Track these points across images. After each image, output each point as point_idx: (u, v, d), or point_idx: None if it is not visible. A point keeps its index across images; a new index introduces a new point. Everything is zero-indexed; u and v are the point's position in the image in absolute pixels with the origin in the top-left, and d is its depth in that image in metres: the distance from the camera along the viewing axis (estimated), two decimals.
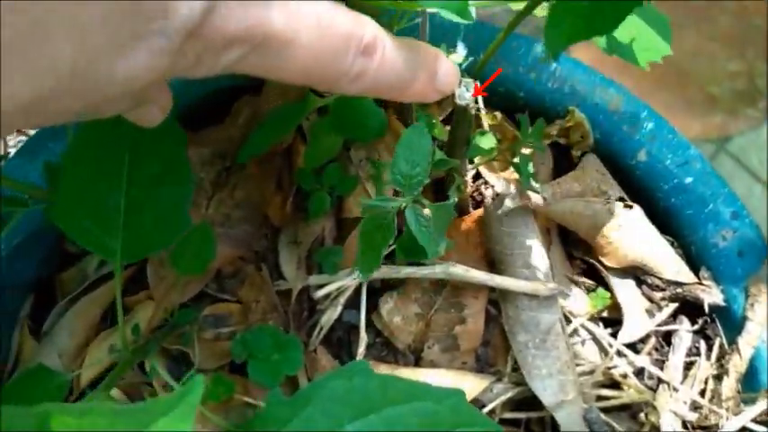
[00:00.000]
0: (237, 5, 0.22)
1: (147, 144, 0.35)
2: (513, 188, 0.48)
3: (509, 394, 0.46)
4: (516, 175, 0.48)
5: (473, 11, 0.37)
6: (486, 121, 0.50)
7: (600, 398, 0.47)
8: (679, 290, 0.48)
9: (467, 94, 0.36)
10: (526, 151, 0.45)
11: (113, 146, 0.35)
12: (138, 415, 0.20)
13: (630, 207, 0.47)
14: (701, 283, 0.48)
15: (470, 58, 0.52)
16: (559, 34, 0.29)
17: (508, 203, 0.47)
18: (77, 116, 0.24)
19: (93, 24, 0.19)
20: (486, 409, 0.46)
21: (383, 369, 0.47)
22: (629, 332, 0.47)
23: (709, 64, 1.00)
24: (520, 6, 0.47)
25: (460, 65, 0.51)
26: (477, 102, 0.50)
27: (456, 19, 0.30)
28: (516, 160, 0.47)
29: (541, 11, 0.45)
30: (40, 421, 0.22)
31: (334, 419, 0.31)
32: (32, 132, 0.53)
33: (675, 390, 0.47)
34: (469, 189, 0.51)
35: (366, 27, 0.27)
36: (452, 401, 0.32)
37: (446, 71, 0.31)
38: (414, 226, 0.33)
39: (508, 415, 0.47)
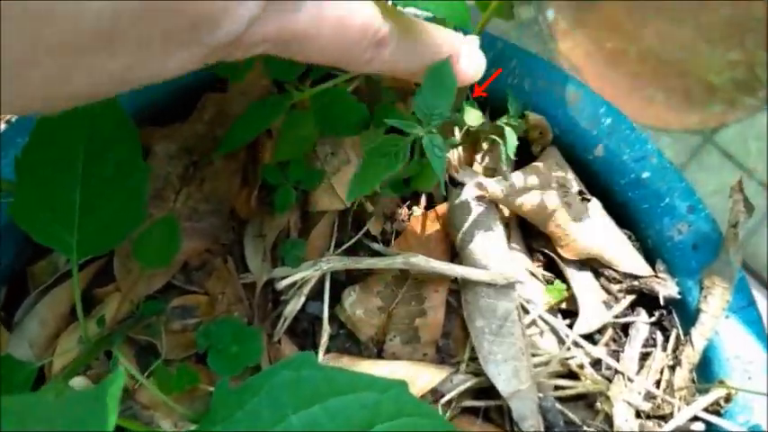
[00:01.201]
0: (274, 12, 0.24)
1: (101, 141, 0.36)
2: (474, 179, 0.49)
3: (468, 384, 0.47)
4: (478, 167, 0.49)
5: None
6: None
7: (557, 387, 0.48)
8: (635, 282, 0.49)
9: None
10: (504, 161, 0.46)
11: (69, 142, 0.36)
12: (66, 408, 0.21)
13: (588, 200, 0.48)
14: (656, 276, 0.49)
15: None
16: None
17: (468, 194, 0.48)
18: None
19: (152, 38, 0.21)
20: (445, 399, 0.47)
21: (345, 360, 0.48)
22: (584, 323, 0.48)
23: (708, 53, 0.99)
24: None
25: None
26: None
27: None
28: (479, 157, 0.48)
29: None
30: None
31: (279, 410, 0.32)
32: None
33: (630, 380, 0.48)
34: None
35: (381, 21, 0.29)
36: (395, 392, 0.33)
37: (468, 54, 0.34)
38: (430, 154, 0.34)
39: (467, 403, 0.48)
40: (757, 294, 0.84)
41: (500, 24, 0.54)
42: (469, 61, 0.34)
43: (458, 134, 0.50)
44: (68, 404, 0.23)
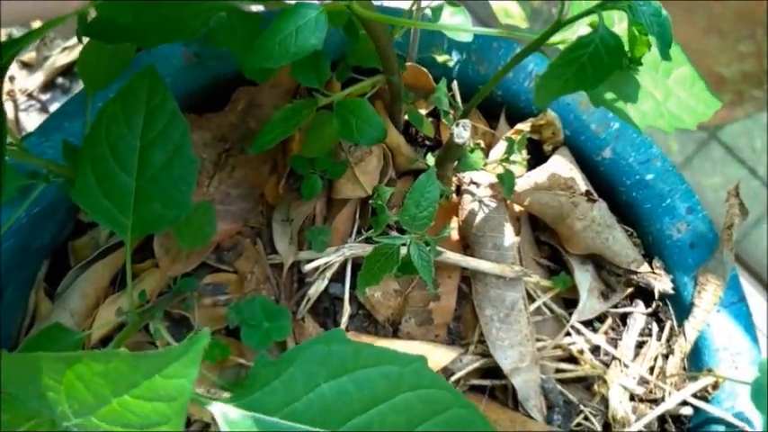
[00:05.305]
0: None
1: (155, 132, 0.40)
2: (487, 179, 0.52)
3: (476, 364, 0.52)
4: (491, 165, 0.53)
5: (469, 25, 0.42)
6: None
7: (558, 370, 0.52)
8: (633, 277, 0.53)
9: (464, 133, 0.41)
10: (510, 166, 0.50)
11: (126, 135, 0.39)
12: (154, 360, 0.25)
13: (594, 201, 0.52)
14: (653, 272, 0.53)
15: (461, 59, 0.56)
16: (548, 92, 0.35)
17: (482, 192, 0.52)
18: None
19: None
20: (454, 377, 0.51)
21: (364, 339, 0.52)
22: (582, 311, 0.52)
23: (719, 44, 0.99)
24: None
25: (452, 67, 0.55)
26: (455, 98, 0.55)
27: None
28: (493, 154, 0.52)
29: (524, 22, 0.49)
30: (69, 364, 0.27)
31: (312, 379, 0.36)
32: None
33: (626, 366, 0.52)
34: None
35: None
36: (415, 366, 0.37)
37: None
38: (417, 261, 0.40)
39: (475, 382, 0.52)
40: (752, 288, 0.87)
41: None
42: None
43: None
44: (150, 362, 0.26)
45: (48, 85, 0.92)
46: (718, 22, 1.00)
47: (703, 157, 0.99)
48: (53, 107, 0.90)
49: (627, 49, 0.36)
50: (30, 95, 0.91)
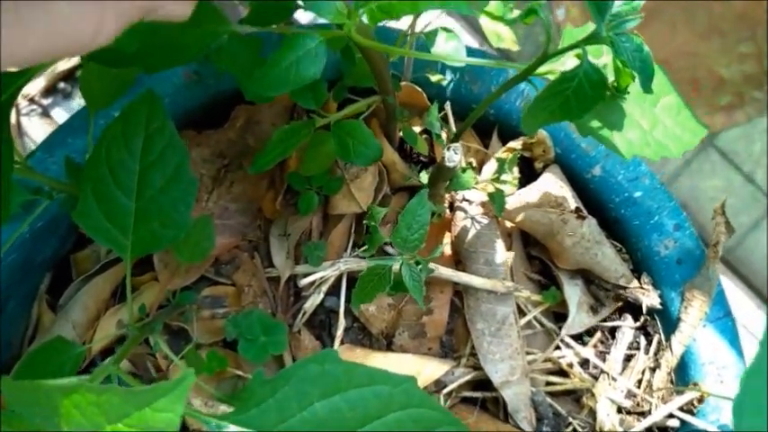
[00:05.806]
0: None
1: (155, 157, 0.41)
2: (479, 197, 0.54)
3: (468, 377, 0.53)
4: (483, 183, 0.54)
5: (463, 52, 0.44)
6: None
7: (548, 383, 0.54)
8: (622, 292, 0.54)
9: (455, 157, 0.42)
10: (501, 185, 0.51)
11: (126, 158, 0.40)
12: (144, 394, 0.26)
13: (584, 218, 0.53)
14: (641, 287, 0.54)
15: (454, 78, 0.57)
16: (535, 121, 0.37)
17: (474, 209, 0.53)
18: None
19: None
20: (446, 390, 0.52)
21: (359, 352, 0.53)
22: (572, 325, 0.53)
23: (719, 45, 0.98)
24: None
25: (446, 86, 0.56)
26: (447, 119, 0.56)
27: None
28: (485, 172, 0.53)
29: (515, 44, 0.50)
30: (65, 394, 0.29)
31: (305, 398, 0.37)
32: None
33: (614, 379, 0.53)
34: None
35: None
36: (406, 386, 0.38)
37: None
38: (408, 281, 0.42)
39: (466, 394, 0.53)
40: (745, 294, 0.88)
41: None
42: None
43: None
44: (140, 396, 0.28)
45: (49, 90, 0.93)
46: (718, 22, 1.00)
47: (702, 161, 1.00)
48: (54, 112, 0.91)
49: (613, 79, 0.37)
50: (31, 100, 0.92)
